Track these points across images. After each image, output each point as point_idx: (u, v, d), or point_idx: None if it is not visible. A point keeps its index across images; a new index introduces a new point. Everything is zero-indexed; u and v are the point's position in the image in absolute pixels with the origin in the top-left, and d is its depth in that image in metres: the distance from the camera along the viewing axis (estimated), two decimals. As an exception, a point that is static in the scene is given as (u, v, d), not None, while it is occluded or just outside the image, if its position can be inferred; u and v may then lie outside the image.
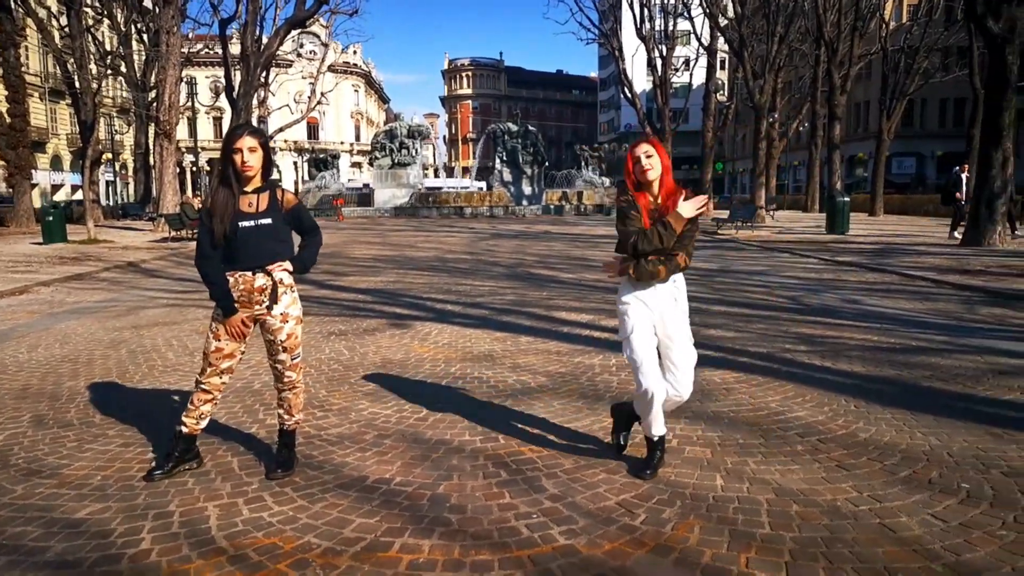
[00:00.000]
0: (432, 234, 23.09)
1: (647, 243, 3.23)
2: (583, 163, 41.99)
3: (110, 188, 55.35)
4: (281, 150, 69.22)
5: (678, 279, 3.45)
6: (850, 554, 2.66)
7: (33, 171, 47.19)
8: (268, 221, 3.21)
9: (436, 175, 60.26)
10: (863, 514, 2.98)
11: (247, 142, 3.22)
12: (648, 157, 3.34)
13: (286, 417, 3.48)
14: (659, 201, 3.37)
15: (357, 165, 75.05)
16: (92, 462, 3.65)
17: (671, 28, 36.78)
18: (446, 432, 4.03)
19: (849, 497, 3.14)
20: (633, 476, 3.38)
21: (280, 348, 3.36)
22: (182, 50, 27.15)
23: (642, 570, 2.57)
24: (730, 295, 9.15)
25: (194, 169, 60.30)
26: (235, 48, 31.32)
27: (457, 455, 3.68)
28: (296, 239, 3.48)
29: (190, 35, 47.07)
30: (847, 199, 19.31)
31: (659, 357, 3.43)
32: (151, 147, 33.60)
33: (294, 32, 57.09)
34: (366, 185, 43.40)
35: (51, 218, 18.05)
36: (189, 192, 59.02)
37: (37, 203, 32.52)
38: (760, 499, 3.13)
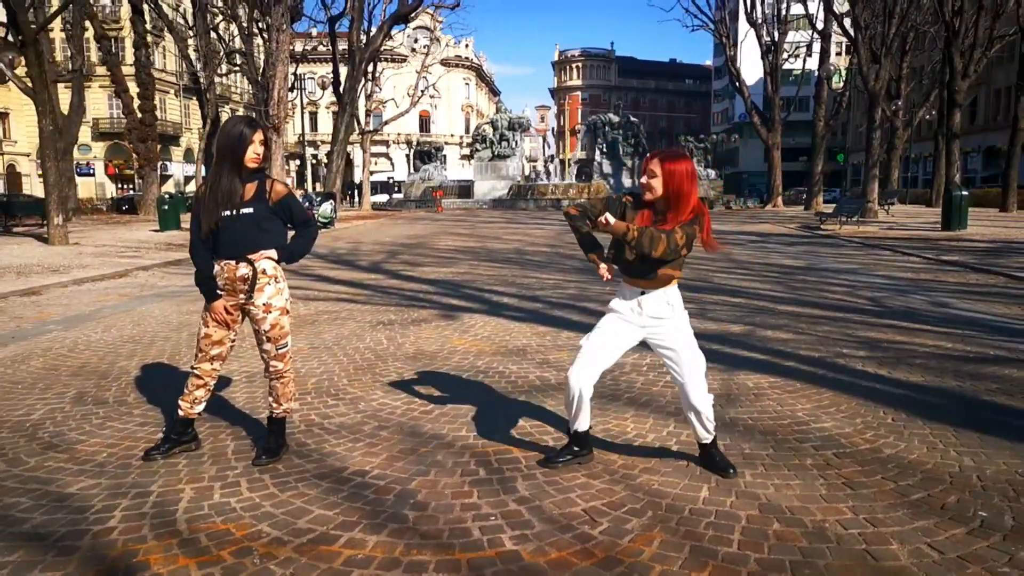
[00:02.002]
0: (521, 226, 23.13)
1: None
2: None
3: (235, 179, 58.70)
4: (394, 143, 71.17)
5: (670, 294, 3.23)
6: (815, 582, 2.44)
7: (168, 163, 51.13)
8: (250, 211, 3.27)
9: (546, 167, 60.09)
10: (849, 538, 2.72)
11: (259, 135, 3.31)
12: (652, 177, 3.05)
13: (275, 406, 3.55)
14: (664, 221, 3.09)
15: (467, 157, 76.05)
16: (106, 439, 3.85)
17: (783, 12, 35.06)
18: (444, 427, 3.99)
19: (841, 518, 2.88)
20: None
21: (264, 338, 3.42)
22: (294, 47, 28.38)
23: (579, 583, 2.44)
24: (806, 294, 8.65)
25: (314, 162, 62.89)
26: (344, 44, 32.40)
27: (445, 450, 3.64)
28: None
29: (312, 32, 49.16)
30: (965, 193, 17.83)
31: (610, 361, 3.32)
32: (266, 140, 35.27)
33: (410, 28, 58.53)
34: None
35: (166, 207, 19.35)
36: (291, 181, 61.52)
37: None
38: (740, 515, 2.92)
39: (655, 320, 3.22)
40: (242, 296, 3.37)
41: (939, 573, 2.47)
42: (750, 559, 2.58)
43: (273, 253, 3.38)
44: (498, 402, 4.45)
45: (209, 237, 3.33)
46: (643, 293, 3.20)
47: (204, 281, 3.35)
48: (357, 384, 4.87)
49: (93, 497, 3.12)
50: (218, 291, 3.36)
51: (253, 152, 3.28)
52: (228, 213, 3.25)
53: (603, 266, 3.31)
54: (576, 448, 3.42)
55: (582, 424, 3.36)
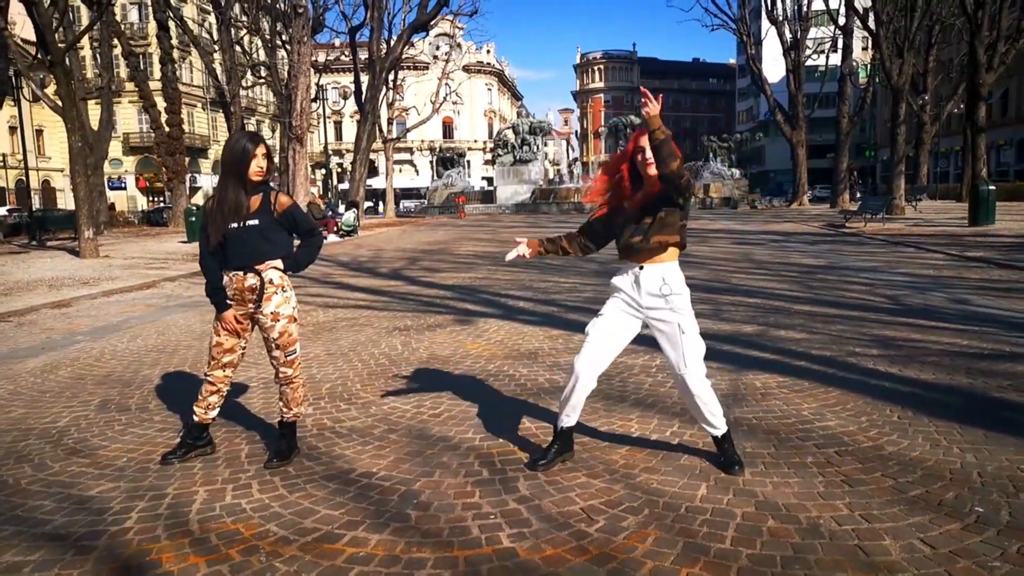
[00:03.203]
0: (543, 230, 23.18)
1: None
2: (711, 155, 40.68)
3: (262, 190, 59.55)
4: (417, 149, 71.68)
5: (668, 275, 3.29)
6: (804, 576, 2.48)
7: (196, 176, 52.08)
8: (255, 222, 3.39)
9: (570, 170, 60.31)
10: (842, 534, 2.75)
11: (262, 149, 3.43)
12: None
13: (285, 410, 3.66)
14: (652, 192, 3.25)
15: (490, 162, 76.25)
16: (126, 445, 3.99)
17: (805, 9, 34.79)
18: (452, 429, 4.08)
19: (837, 515, 2.91)
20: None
21: (273, 345, 3.54)
22: (316, 58, 28.79)
23: (571, 578, 2.51)
24: (823, 294, 8.61)
25: (339, 170, 63.47)
26: (365, 54, 32.75)
27: (450, 452, 3.73)
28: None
29: (335, 43, 49.69)
30: (992, 187, 17.55)
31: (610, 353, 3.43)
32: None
33: (431, 36, 58.95)
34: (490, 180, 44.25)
35: (193, 219, 19.74)
36: (315, 191, 62.16)
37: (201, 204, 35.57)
38: (736, 512, 2.96)
39: (653, 299, 3.25)
40: (251, 305, 3.50)
41: (929, 567, 2.50)
42: (742, 555, 2.63)
43: (279, 263, 3.50)
44: (505, 404, 4.53)
45: (218, 249, 3.46)
46: (641, 269, 3.26)
47: (214, 292, 3.48)
48: (369, 389, 4.98)
49: (112, 499, 3.25)
50: (228, 301, 3.49)
51: (256, 166, 3.40)
52: (235, 225, 3.37)
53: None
54: (558, 445, 3.50)
55: (572, 419, 3.46)
